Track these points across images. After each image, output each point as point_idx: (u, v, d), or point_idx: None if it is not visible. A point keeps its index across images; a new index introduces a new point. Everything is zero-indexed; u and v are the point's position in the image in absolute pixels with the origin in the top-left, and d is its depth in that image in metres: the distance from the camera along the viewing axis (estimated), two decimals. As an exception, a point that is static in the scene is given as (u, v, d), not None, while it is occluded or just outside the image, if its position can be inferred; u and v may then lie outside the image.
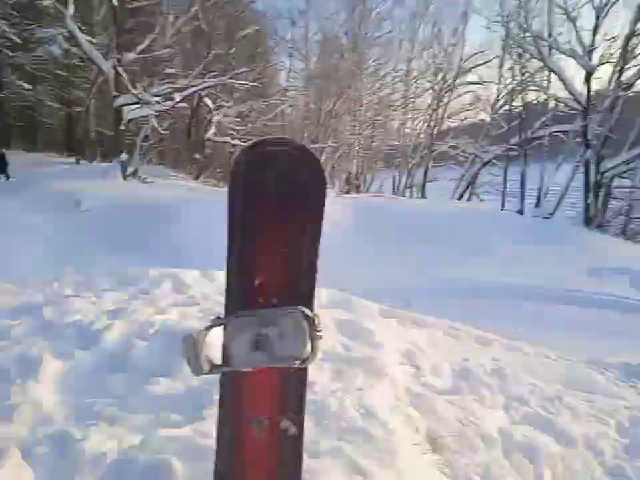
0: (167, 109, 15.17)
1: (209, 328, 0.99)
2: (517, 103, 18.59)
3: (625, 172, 14.52)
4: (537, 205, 16.67)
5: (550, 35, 15.22)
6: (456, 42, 21.87)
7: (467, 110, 23.52)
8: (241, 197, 1.03)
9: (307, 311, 0.97)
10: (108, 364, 2.23)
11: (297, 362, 0.96)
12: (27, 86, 24.16)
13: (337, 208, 10.29)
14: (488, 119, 21.73)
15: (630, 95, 14.64)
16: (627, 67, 14.07)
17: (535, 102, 18.42)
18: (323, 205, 1.04)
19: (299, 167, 1.01)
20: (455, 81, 21.71)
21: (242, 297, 1.06)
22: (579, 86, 14.61)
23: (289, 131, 25.49)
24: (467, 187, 21.23)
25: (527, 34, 15.85)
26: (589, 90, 14.33)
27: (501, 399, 2.76)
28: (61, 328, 2.56)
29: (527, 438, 2.33)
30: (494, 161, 20.08)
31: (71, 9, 13.15)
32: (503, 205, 18.02)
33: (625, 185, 14.99)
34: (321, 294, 4.28)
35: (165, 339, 2.37)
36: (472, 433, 2.24)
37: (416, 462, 1.85)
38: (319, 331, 0.96)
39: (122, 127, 14.20)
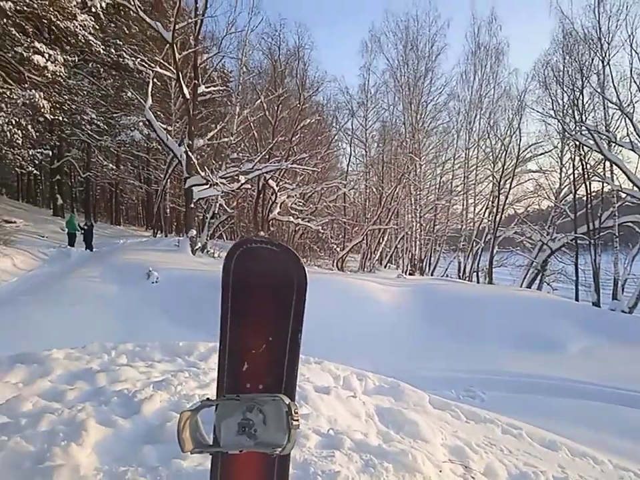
0: (233, 190, 16.30)
1: (197, 409, 1.06)
2: (582, 192, 18.08)
3: None
4: (614, 297, 15.50)
5: (607, 129, 15.06)
6: (512, 133, 22.11)
7: (530, 197, 23.17)
8: (230, 287, 1.13)
9: (286, 399, 1.00)
10: (145, 434, 2.33)
11: (278, 449, 0.98)
12: (111, 166, 27.30)
13: (398, 290, 10.21)
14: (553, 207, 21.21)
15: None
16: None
17: (600, 192, 17.82)
18: (304, 298, 1.11)
19: (280, 262, 1.10)
20: (514, 169, 21.71)
21: (231, 381, 1.13)
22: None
23: (351, 212, 26.25)
24: (537, 275, 20.39)
25: (583, 128, 15.77)
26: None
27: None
28: (109, 395, 2.73)
29: None
30: (563, 248, 19.34)
31: (149, 101, 14.94)
32: (576, 296, 17.01)
33: None
34: (368, 379, 4.20)
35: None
36: None
37: None
38: (296, 420, 0.98)
39: (192, 206, 15.33)
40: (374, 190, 25.39)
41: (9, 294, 9.04)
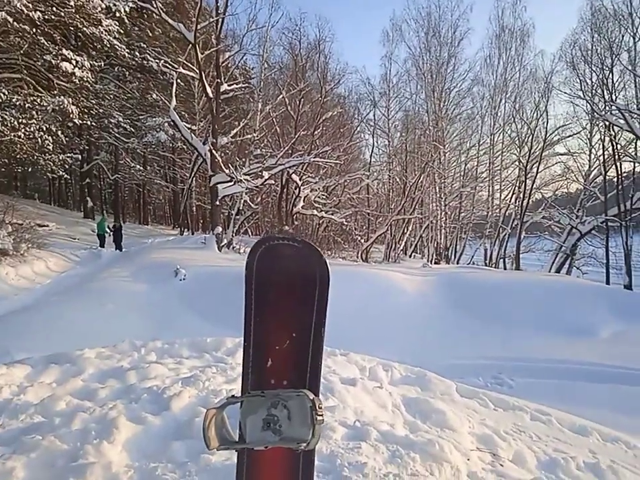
0: (257, 186, 16.43)
1: (223, 406, 1.06)
2: (612, 173, 17.54)
3: None
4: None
5: (639, 107, 14.56)
6: (539, 116, 21.51)
7: (558, 181, 22.62)
8: (253, 284, 1.13)
9: (310, 394, 0.99)
10: (174, 430, 2.38)
11: (303, 444, 0.97)
12: (138, 167, 27.91)
13: (424, 280, 10.10)
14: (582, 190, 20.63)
15: None
16: None
17: (631, 173, 17.20)
18: (326, 294, 1.11)
19: (302, 258, 1.10)
20: (541, 153, 21.15)
21: (256, 377, 1.14)
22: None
23: (374, 203, 26.12)
24: (566, 259, 19.93)
25: (613, 108, 15.26)
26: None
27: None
28: (139, 392, 2.80)
29: None
30: (593, 232, 18.82)
31: (173, 102, 15.18)
32: (607, 279, 16.57)
33: None
34: (394, 369, 4.18)
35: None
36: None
37: None
38: (320, 415, 0.97)
39: (217, 203, 15.51)
40: (397, 180, 25.20)
41: (43, 296, 9.35)
